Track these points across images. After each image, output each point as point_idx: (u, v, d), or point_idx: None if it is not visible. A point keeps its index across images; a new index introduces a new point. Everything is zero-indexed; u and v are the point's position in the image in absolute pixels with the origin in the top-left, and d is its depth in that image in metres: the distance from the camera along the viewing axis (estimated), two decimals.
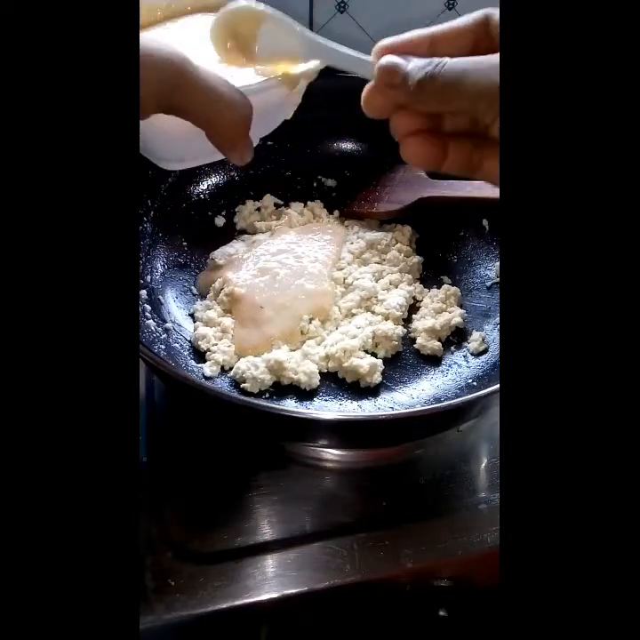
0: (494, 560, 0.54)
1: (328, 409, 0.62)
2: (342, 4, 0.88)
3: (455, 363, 0.67)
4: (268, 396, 0.63)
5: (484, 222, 0.75)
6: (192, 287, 0.73)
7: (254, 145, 0.46)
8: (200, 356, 0.66)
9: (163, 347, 0.64)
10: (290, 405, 0.62)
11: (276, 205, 0.81)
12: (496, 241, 0.74)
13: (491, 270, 0.73)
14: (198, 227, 0.77)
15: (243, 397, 0.59)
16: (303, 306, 0.68)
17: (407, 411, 0.59)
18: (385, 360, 0.66)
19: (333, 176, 0.83)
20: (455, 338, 0.68)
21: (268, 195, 0.81)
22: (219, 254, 0.74)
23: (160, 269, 0.72)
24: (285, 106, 0.47)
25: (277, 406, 0.59)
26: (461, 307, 0.71)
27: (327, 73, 0.81)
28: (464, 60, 0.38)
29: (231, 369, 0.64)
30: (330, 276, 0.72)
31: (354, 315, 0.69)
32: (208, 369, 0.64)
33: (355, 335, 0.66)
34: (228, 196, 0.80)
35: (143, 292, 0.67)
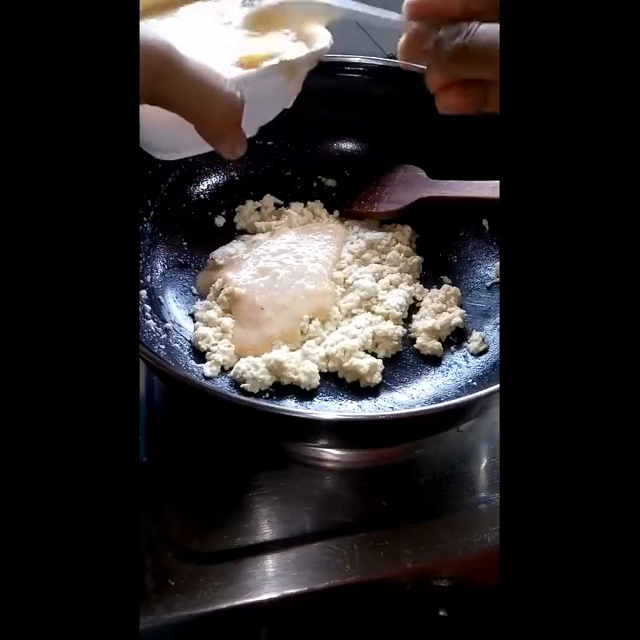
0: (494, 560, 0.54)
1: (328, 409, 0.62)
2: None
3: (455, 363, 0.67)
4: (268, 396, 0.63)
5: (484, 222, 0.75)
6: (192, 287, 0.73)
7: (252, 134, 0.45)
8: (200, 355, 0.66)
9: (163, 347, 0.64)
10: (290, 405, 0.62)
11: (276, 205, 0.80)
12: (496, 241, 0.74)
13: (491, 270, 0.73)
14: (198, 227, 0.77)
15: (243, 397, 0.59)
16: (303, 306, 0.68)
17: (407, 411, 0.59)
18: (385, 360, 0.66)
19: (333, 176, 0.83)
20: (455, 338, 0.68)
21: (268, 195, 0.81)
22: (219, 254, 0.74)
23: (160, 269, 0.72)
24: (284, 94, 0.46)
25: (277, 406, 0.59)
26: (461, 307, 0.71)
27: (327, 73, 0.82)
28: (494, 28, 0.38)
29: (231, 369, 0.64)
30: (330, 276, 0.72)
31: (354, 315, 0.69)
32: (208, 369, 0.64)
33: (355, 335, 0.66)
34: (228, 195, 0.80)
35: (143, 292, 0.67)
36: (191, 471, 0.61)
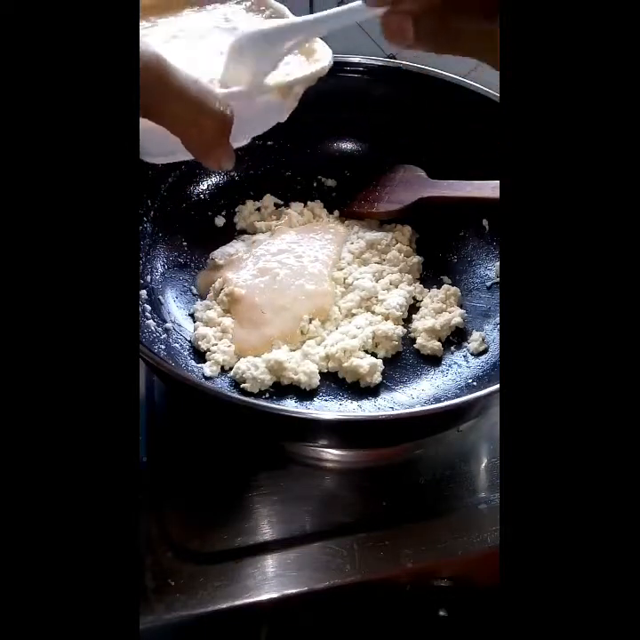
0: (494, 560, 0.54)
1: (328, 409, 0.62)
2: (342, 4, 0.88)
3: (455, 363, 0.67)
4: (268, 396, 0.63)
5: (484, 222, 0.75)
6: (192, 287, 0.73)
7: (244, 143, 0.44)
8: (200, 355, 0.66)
9: (163, 347, 0.64)
10: (290, 405, 0.62)
11: (276, 205, 0.80)
12: (496, 241, 0.74)
13: (491, 270, 0.73)
14: (198, 227, 0.77)
15: (243, 397, 0.59)
16: (303, 306, 0.68)
17: (407, 411, 0.59)
18: (385, 360, 0.66)
19: (333, 176, 0.83)
20: (455, 338, 0.68)
21: (268, 195, 0.81)
22: (219, 254, 0.74)
23: (160, 269, 0.72)
24: (279, 110, 0.46)
25: (277, 406, 0.59)
26: (461, 307, 0.71)
27: (327, 73, 0.81)
28: None
29: (231, 369, 0.64)
30: (330, 276, 0.72)
31: (354, 315, 0.69)
32: (208, 369, 0.64)
33: (355, 335, 0.66)
34: (228, 195, 0.80)
35: (143, 292, 0.67)
36: (191, 471, 0.61)
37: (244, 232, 0.78)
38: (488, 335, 0.68)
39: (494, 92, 0.72)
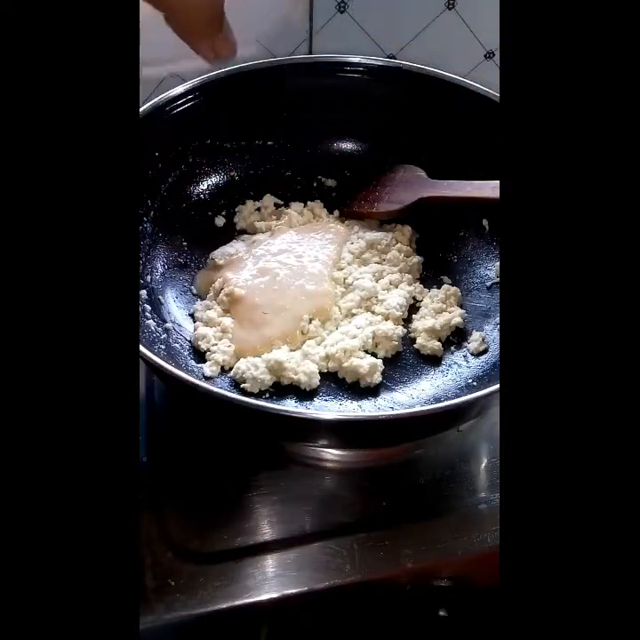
0: (494, 560, 0.54)
1: (328, 409, 0.62)
2: (342, 4, 0.88)
3: (455, 363, 0.67)
4: (268, 396, 0.63)
5: (484, 222, 0.75)
6: (192, 287, 0.73)
7: (250, 47, 0.41)
8: (200, 355, 0.66)
9: (163, 347, 0.64)
10: (290, 405, 0.62)
11: (276, 205, 0.80)
12: (496, 241, 0.74)
13: (491, 270, 0.73)
14: (198, 227, 0.77)
15: (243, 397, 0.59)
16: (303, 306, 0.68)
17: (407, 411, 0.59)
18: (385, 360, 0.66)
19: (333, 176, 0.83)
20: (455, 338, 0.68)
21: (268, 195, 0.81)
22: (219, 254, 0.74)
23: (160, 269, 0.72)
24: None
25: (277, 406, 0.59)
26: (461, 307, 0.71)
27: (327, 73, 0.82)
28: None
29: (231, 369, 0.64)
30: (330, 276, 0.72)
31: (354, 315, 0.69)
32: (208, 369, 0.64)
33: (355, 335, 0.66)
34: (228, 196, 0.80)
35: (143, 292, 0.67)
36: (191, 471, 0.61)
37: (244, 232, 0.78)
38: (488, 335, 0.68)
39: (494, 92, 0.72)
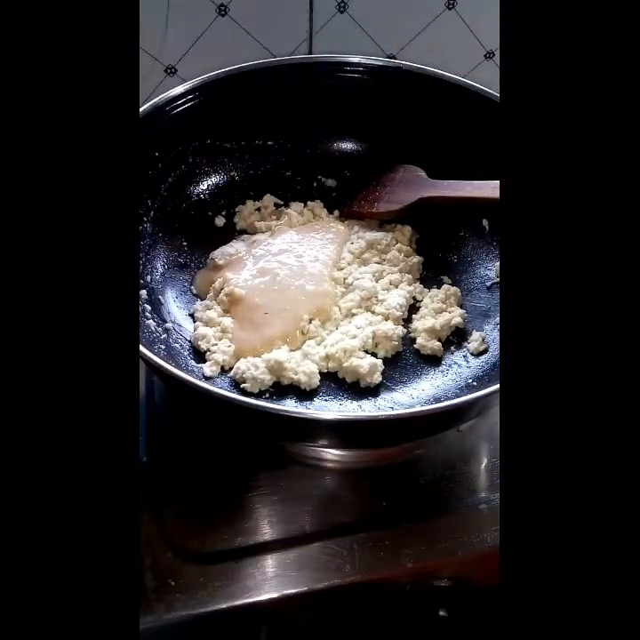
0: (494, 560, 0.54)
1: (328, 409, 0.62)
2: (342, 4, 0.88)
3: (455, 363, 0.67)
4: (268, 395, 0.63)
5: (484, 222, 0.75)
6: (192, 287, 0.73)
7: None
8: (200, 355, 0.66)
9: (163, 347, 0.64)
10: (290, 405, 0.62)
11: (276, 205, 0.81)
12: (496, 241, 0.74)
13: (491, 270, 0.73)
14: (198, 227, 0.77)
15: (243, 397, 0.59)
16: (303, 307, 0.68)
17: (407, 411, 0.59)
18: (385, 360, 0.66)
19: (333, 176, 0.83)
20: (455, 338, 0.68)
21: (268, 195, 0.81)
22: (219, 254, 0.74)
23: (160, 269, 0.72)
24: None
25: (277, 406, 0.59)
26: (461, 307, 0.71)
27: (327, 73, 0.82)
28: None
29: (231, 369, 0.64)
30: (330, 276, 0.71)
31: (354, 315, 0.69)
32: (208, 369, 0.64)
33: (355, 335, 0.66)
34: (228, 196, 0.80)
35: (143, 292, 0.67)
36: (191, 471, 0.61)
37: (244, 232, 0.78)
38: (488, 335, 0.68)
39: (494, 92, 0.72)
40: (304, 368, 0.63)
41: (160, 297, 0.70)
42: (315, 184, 0.83)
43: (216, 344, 0.66)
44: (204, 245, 0.75)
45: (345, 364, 0.64)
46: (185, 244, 0.75)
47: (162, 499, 0.59)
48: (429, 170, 0.77)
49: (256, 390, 0.62)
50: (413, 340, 0.68)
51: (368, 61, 0.79)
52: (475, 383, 0.64)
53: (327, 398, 0.63)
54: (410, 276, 0.73)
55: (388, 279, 0.72)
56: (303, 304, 0.68)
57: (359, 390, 0.64)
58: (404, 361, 0.67)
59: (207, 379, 0.63)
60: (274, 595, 0.53)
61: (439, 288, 0.72)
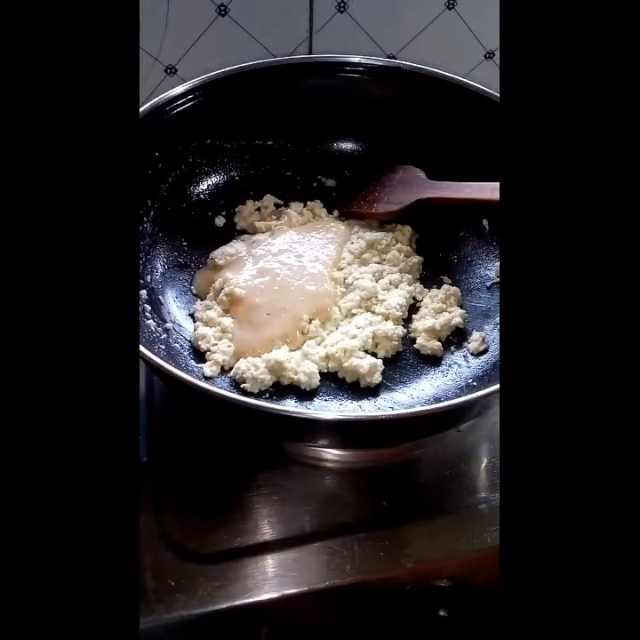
0: (494, 560, 0.54)
1: (328, 409, 0.62)
2: (342, 4, 0.88)
3: (455, 363, 0.67)
4: (268, 395, 0.63)
5: (484, 222, 0.75)
6: (192, 287, 0.73)
7: None
8: (200, 355, 0.66)
9: (163, 347, 0.64)
10: (290, 405, 0.62)
11: (276, 205, 0.81)
12: (496, 241, 0.74)
13: (491, 270, 0.73)
14: (198, 227, 0.77)
15: (243, 397, 0.59)
16: (303, 307, 0.68)
17: (407, 411, 0.59)
18: (385, 360, 0.66)
19: (333, 176, 0.83)
20: (455, 338, 0.68)
21: (268, 195, 0.81)
22: (219, 254, 0.74)
23: (160, 269, 0.72)
24: None
25: (277, 406, 0.59)
26: (461, 307, 0.71)
27: (327, 73, 0.82)
28: None
29: (231, 369, 0.64)
30: (330, 276, 0.71)
31: (354, 315, 0.69)
32: (208, 369, 0.64)
33: (355, 335, 0.66)
34: (228, 196, 0.80)
35: (143, 292, 0.67)
36: (191, 471, 0.61)
37: (244, 232, 0.78)
38: (488, 335, 0.68)
39: (494, 92, 0.72)
40: (304, 368, 0.63)
41: (160, 297, 0.70)
42: (315, 184, 0.83)
43: (216, 344, 0.66)
44: (204, 245, 0.75)
45: (345, 364, 0.64)
46: (185, 244, 0.75)
47: (162, 499, 0.59)
48: (429, 170, 0.77)
49: (256, 390, 0.62)
50: (413, 340, 0.68)
51: (368, 61, 0.79)
52: (475, 383, 0.64)
53: (327, 398, 0.63)
54: (410, 275, 0.73)
55: (388, 279, 0.72)
56: (303, 304, 0.68)
57: (359, 390, 0.64)
58: (404, 361, 0.67)
59: (207, 379, 0.63)
60: (274, 595, 0.53)
61: (439, 288, 0.72)
